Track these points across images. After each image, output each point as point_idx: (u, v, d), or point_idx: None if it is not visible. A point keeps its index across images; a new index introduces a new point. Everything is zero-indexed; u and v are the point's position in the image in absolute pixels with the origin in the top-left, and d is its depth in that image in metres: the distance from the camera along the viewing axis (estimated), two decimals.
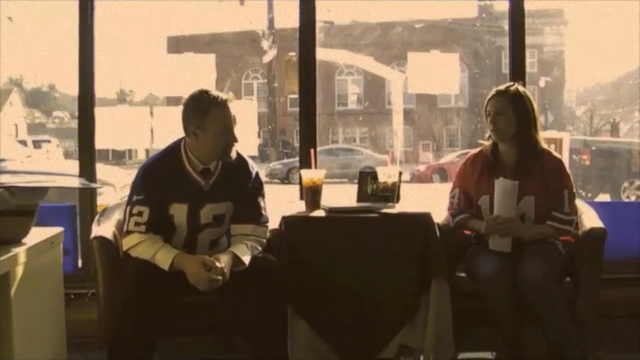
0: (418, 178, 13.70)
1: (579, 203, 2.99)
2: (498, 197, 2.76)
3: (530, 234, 2.79)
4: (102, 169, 5.26)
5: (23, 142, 13.74)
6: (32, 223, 2.49)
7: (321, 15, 3.68)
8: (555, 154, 2.89)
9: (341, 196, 3.27)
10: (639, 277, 3.55)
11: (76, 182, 3.11)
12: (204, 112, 2.50)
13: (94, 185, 3.24)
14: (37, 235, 2.52)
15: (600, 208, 3.01)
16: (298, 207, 3.04)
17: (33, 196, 2.47)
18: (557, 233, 2.82)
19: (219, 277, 2.38)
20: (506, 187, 2.75)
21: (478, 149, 2.98)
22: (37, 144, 13.73)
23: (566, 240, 2.87)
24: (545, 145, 2.88)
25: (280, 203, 3.14)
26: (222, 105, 2.51)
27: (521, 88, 2.88)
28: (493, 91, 2.88)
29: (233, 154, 2.58)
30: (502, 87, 2.89)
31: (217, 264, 2.40)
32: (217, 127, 2.50)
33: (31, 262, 2.38)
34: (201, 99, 2.52)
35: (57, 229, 2.72)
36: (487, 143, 2.93)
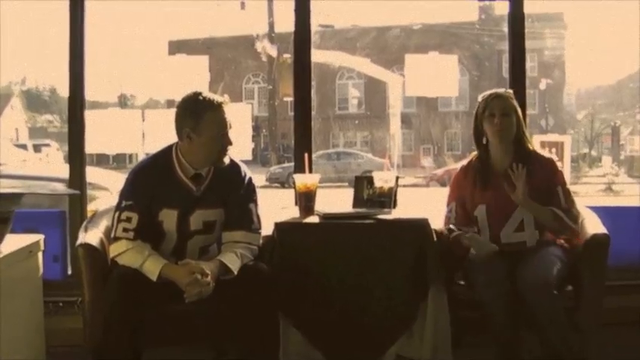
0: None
1: (581, 208, 2.92)
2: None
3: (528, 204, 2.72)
4: (99, 173, 5.18)
5: (23, 146, 13.75)
6: (7, 231, 2.41)
7: (318, 18, 3.64)
8: (545, 153, 2.90)
9: (337, 201, 3.19)
10: None
11: (55, 188, 3.03)
12: (200, 116, 2.42)
13: (70, 191, 3.14)
14: (13, 243, 2.46)
15: (602, 212, 2.94)
16: (292, 213, 2.97)
17: (7, 202, 2.39)
18: (556, 221, 2.75)
19: (209, 281, 2.33)
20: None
21: (467, 159, 2.94)
22: (37, 148, 13.75)
23: (565, 239, 2.83)
24: (533, 147, 2.88)
25: (276, 209, 3.07)
26: (218, 108, 2.45)
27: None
28: (491, 94, 2.84)
29: (226, 160, 2.51)
30: (500, 90, 2.89)
31: (205, 269, 2.35)
32: (213, 131, 2.43)
33: (6, 271, 2.31)
34: (195, 102, 2.45)
35: (36, 237, 2.66)
36: (474, 153, 2.90)
